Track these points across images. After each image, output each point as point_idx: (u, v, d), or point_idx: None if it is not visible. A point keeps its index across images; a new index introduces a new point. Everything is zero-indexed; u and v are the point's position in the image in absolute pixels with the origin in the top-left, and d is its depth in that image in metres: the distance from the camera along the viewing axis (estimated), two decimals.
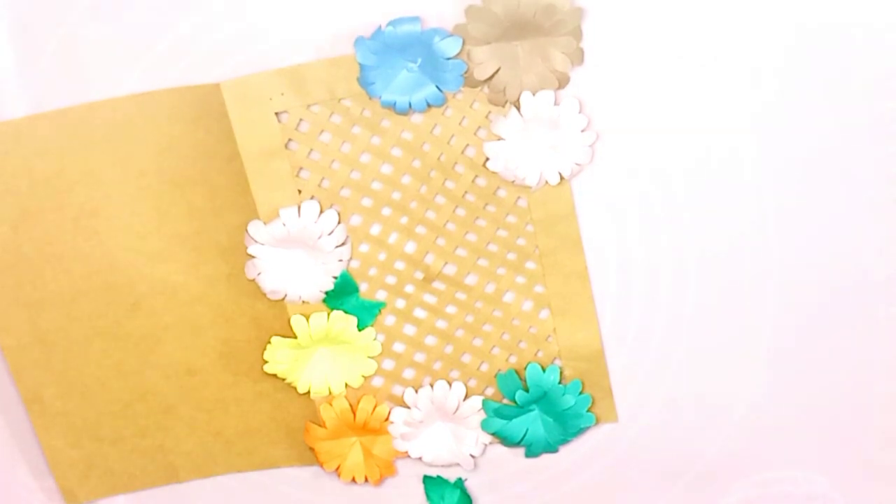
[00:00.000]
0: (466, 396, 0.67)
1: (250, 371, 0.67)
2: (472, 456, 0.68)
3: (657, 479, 0.68)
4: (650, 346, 0.66)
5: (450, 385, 0.67)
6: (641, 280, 0.64)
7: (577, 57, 0.59)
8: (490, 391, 0.67)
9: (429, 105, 0.61)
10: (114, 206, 0.61)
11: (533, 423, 0.66)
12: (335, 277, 0.64)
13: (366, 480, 0.69)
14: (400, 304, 0.65)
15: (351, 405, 0.67)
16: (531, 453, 0.67)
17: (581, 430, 0.66)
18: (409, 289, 0.65)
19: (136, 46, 0.60)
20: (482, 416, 0.67)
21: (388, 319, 0.65)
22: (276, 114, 0.61)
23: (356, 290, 0.65)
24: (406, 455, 0.69)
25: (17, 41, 0.60)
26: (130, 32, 0.60)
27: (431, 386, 0.67)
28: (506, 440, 0.67)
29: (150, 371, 0.62)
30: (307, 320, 0.65)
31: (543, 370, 0.65)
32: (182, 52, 0.60)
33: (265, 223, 0.63)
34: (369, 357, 0.66)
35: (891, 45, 0.59)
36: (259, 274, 0.64)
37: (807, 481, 0.68)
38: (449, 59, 0.59)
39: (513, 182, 0.62)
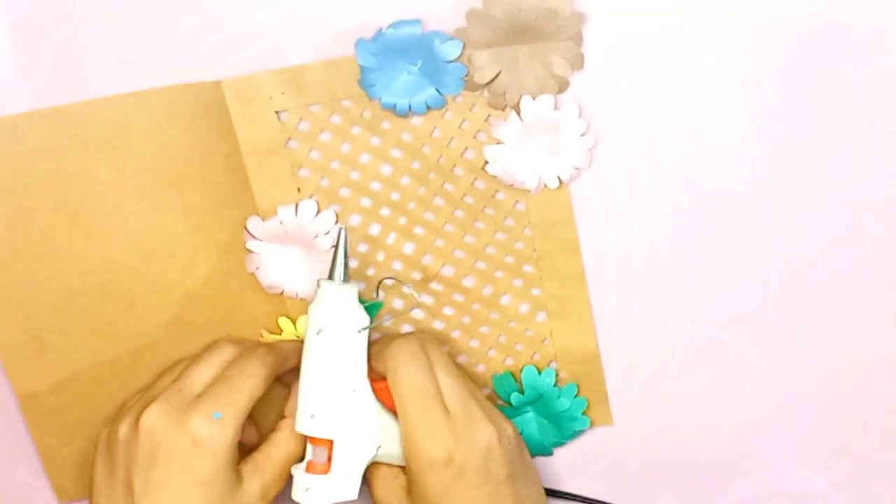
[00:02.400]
0: None
1: None
2: None
3: (656, 480, 0.69)
4: (647, 349, 0.66)
5: None
6: (638, 284, 0.64)
7: (578, 62, 0.59)
8: (486, 392, 0.67)
9: (428, 107, 0.60)
10: (110, 205, 0.60)
11: (528, 424, 0.66)
12: None
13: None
14: (398, 304, 0.65)
15: None
16: None
17: (576, 433, 0.66)
18: (407, 290, 0.65)
19: (136, 46, 0.60)
20: None
21: (386, 320, 0.65)
22: (277, 112, 0.61)
23: None
24: None
25: (18, 41, 0.60)
26: (130, 32, 0.60)
27: None
28: None
29: (145, 370, 0.62)
30: (294, 323, 0.65)
31: (539, 372, 0.65)
32: (182, 53, 0.60)
33: (263, 220, 0.63)
34: None
35: (891, 46, 0.59)
36: (257, 268, 0.64)
37: (806, 481, 0.68)
38: (449, 62, 0.59)
39: (511, 185, 0.62)
